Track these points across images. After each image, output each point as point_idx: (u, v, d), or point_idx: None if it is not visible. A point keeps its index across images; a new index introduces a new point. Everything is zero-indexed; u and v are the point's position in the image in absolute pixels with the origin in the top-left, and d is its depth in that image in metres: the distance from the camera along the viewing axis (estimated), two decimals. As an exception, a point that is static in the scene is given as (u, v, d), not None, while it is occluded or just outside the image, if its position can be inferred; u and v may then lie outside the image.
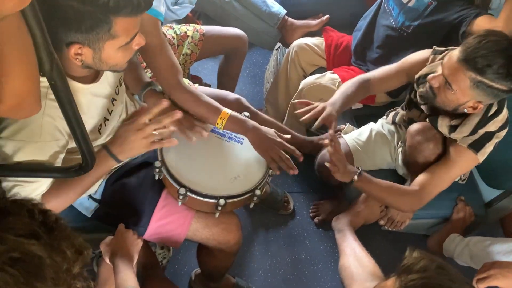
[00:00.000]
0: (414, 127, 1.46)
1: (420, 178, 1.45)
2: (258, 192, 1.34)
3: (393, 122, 1.69)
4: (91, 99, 1.10)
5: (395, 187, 1.46)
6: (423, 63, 1.50)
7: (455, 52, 1.28)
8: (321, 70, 1.99)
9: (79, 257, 0.51)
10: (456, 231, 1.68)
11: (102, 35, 0.92)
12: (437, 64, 1.44)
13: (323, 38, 2.03)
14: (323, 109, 1.49)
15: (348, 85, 1.59)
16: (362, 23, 1.94)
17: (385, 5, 1.79)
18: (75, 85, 1.04)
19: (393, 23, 1.77)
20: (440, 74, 1.33)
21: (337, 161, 1.41)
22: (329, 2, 2.17)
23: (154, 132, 1.09)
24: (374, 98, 1.90)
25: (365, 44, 1.91)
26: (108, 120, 1.18)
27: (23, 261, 0.43)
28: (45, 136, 0.97)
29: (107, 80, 1.15)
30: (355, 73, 1.91)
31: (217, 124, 1.35)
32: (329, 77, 1.89)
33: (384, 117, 1.76)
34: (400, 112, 1.66)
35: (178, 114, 1.10)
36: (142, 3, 0.91)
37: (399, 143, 1.68)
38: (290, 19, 2.12)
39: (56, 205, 1.07)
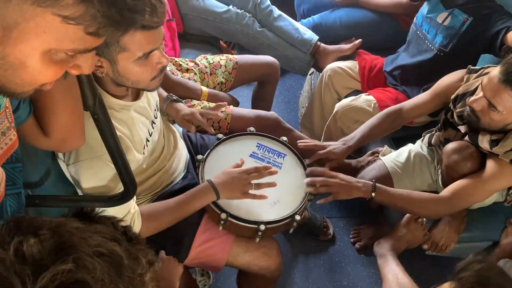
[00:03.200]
0: (450, 146, 1.43)
1: (453, 185, 1.41)
2: (297, 217, 1.34)
3: (429, 144, 1.65)
4: (136, 116, 1.16)
5: (417, 194, 1.44)
6: (458, 83, 1.48)
7: (495, 73, 1.26)
8: (355, 92, 1.99)
9: (150, 267, 0.58)
10: (506, 256, 1.59)
11: (112, 46, 0.96)
12: (473, 82, 1.42)
13: (356, 61, 2.03)
14: (324, 147, 1.52)
15: (373, 119, 1.60)
16: (402, 50, 1.93)
17: (418, 32, 1.79)
18: (121, 103, 1.10)
19: (430, 45, 1.76)
20: (481, 96, 1.30)
21: (335, 185, 1.38)
22: (362, 26, 2.18)
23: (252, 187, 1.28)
24: (413, 118, 1.87)
25: (401, 70, 1.90)
26: (149, 141, 1.23)
27: (108, 256, 0.51)
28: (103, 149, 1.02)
29: (147, 101, 1.22)
30: (391, 94, 1.90)
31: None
32: (364, 98, 1.89)
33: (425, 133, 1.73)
34: (436, 133, 1.63)
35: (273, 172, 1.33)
36: (152, 19, 0.94)
37: (439, 164, 1.64)
38: (322, 44, 2.14)
39: (154, 227, 1.18)
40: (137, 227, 1.12)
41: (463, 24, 1.66)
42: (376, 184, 1.40)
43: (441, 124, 1.57)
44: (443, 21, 1.69)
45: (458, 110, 1.43)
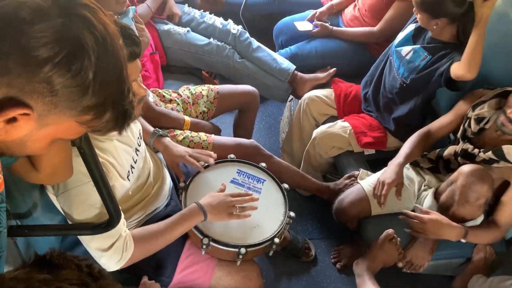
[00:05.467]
0: (468, 168, 1.49)
1: (503, 214, 1.52)
2: (276, 240, 1.40)
3: (438, 158, 1.71)
4: (119, 145, 1.22)
5: (491, 232, 1.55)
6: (476, 100, 1.61)
7: None
8: (332, 119, 2.08)
9: None
10: (479, 272, 1.67)
11: None
12: (492, 93, 1.56)
13: (332, 89, 2.14)
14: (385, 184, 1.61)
15: (411, 140, 1.70)
16: (372, 73, 2.03)
17: (391, 57, 1.90)
18: (102, 137, 1.15)
19: (396, 74, 1.87)
20: None
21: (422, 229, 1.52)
22: (336, 55, 2.30)
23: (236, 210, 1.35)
24: (386, 143, 1.97)
25: (375, 93, 2.00)
26: (134, 168, 1.29)
27: None
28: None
29: (130, 130, 1.28)
30: (365, 120, 2.00)
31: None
32: (340, 125, 1.98)
33: None
34: (450, 146, 1.68)
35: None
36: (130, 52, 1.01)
37: (422, 187, 1.73)
38: (299, 73, 2.25)
39: (145, 251, 1.21)
40: (130, 250, 1.16)
41: (422, 61, 1.76)
42: (469, 230, 1.51)
43: (460, 137, 1.65)
44: (406, 55, 1.80)
45: (476, 112, 1.55)
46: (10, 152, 0.64)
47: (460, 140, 1.64)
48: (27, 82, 0.54)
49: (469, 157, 1.57)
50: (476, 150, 1.56)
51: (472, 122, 1.57)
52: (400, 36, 1.86)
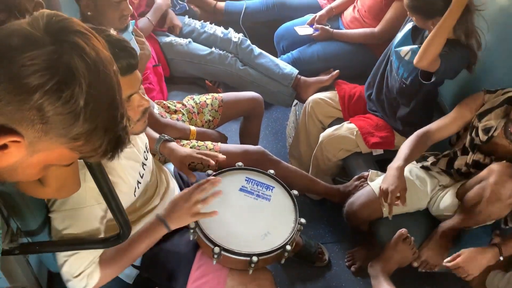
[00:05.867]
0: (500, 165, 1.46)
1: None
2: (288, 247, 1.38)
3: (448, 168, 1.69)
4: (125, 162, 1.21)
5: None
6: (478, 104, 1.58)
7: None
8: (338, 120, 2.07)
9: None
10: (497, 267, 1.64)
11: None
12: (497, 99, 1.53)
13: (336, 91, 2.13)
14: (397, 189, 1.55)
15: (408, 142, 1.65)
16: (375, 74, 2.02)
17: (391, 58, 1.89)
18: None
19: (396, 75, 1.86)
20: None
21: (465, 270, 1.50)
22: (338, 57, 2.29)
23: (199, 206, 1.23)
24: (394, 142, 1.95)
25: (378, 93, 1.99)
26: (140, 183, 1.29)
27: None
28: (90, 201, 1.08)
29: (135, 145, 1.28)
30: (371, 121, 1.99)
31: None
32: (346, 127, 1.97)
33: (414, 162, 1.78)
34: (460, 157, 1.67)
35: (218, 180, 1.29)
36: (124, 66, 1.00)
37: (437, 187, 1.70)
38: (302, 77, 2.25)
39: (111, 272, 1.18)
40: (96, 277, 1.14)
41: None
42: (501, 246, 1.49)
43: (468, 145, 1.62)
44: (405, 55, 1.78)
45: (483, 123, 1.53)
46: (1, 179, 0.64)
47: (469, 149, 1.62)
48: (17, 109, 0.55)
49: (482, 167, 1.55)
50: (487, 160, 1.54)
51: (480, 132, 1.55)
52: (399, 36, 1.85)
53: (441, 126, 1.66)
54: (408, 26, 1.82)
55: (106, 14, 1.55)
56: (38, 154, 0.60)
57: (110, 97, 0.61)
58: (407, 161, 1.60)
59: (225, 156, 1.51)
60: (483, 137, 1.55)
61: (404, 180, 1.56)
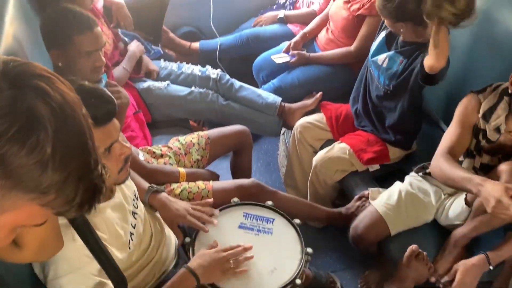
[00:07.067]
0: (509, 165, 1.40)
1: None
2: (298, 281, 1.31)
3: None
4: (113, 215, 1.14)
5: None
6: (476, 106, 1.52)
7: None
8: (328, 142, 2.03)
9: None
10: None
11: None
12: (493, 96, 1.48)
13: (322, 113, 2.10)
14: None
15: (446, 165, 1.47)
16: (357, 88, 2.01)
17: (369, 69, 1.89)
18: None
19: (377, 84, 1.85)
20: None
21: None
22: (319, 80, 2.28)
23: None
24: (388, 155, 1.91)
25: (364, 107, 1.97)
26: (133, 234, 1.21)
27: None
28: (83, 259, 1.00)
29: (122, 194, 1.21)
30: (362, 137, 1.96)
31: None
32: (338, 147, 1.93)
33: (413, 173, 1.74)
34: (466, 160, 1.61)
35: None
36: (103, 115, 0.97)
37: (442, 196, 1.65)
38: (287, 104, 2.23)
39: None
40: None
41: (399, 65, 1.74)
42: (487, 253, 1.43)
43: (474, 150, 1.57)
44: (382, 62, 1.78)
45: (493, 123, 1.46)
46: None
47: (475, 153, 1.57)
48: None
49: (490, 169, 1.51)
50: (495, 160, 1.50)
51: (491, 133, 1.49)
52: (373, 46, 1.86)
53: (458, 141, 1.53)
54: (382, 35, 1.83)
55: (77, 64, 1.51)
56: (3, 216, 0.53)
57: (81, 142, 0.55)
58: (467, 172, 1.44)
59: (211, 201, 1.49)
60: (494, 137, 1.49)
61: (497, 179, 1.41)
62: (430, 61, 1.53)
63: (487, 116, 1.50)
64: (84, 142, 0.55)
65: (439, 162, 1.50)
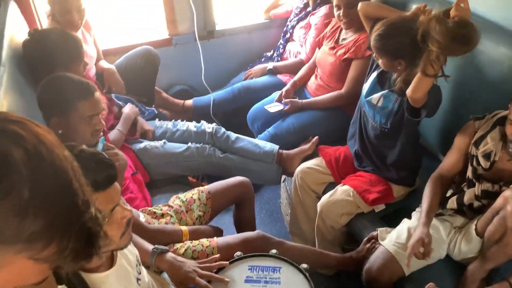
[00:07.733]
0: None
1: None
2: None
3: (460, 206, 1.60)
4: (117, 283, 1.09)
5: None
6: (472, 133, 1.56)
7: None
8: (330, 185, 2.01)
9: None
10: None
11: None
12: (488, 124, 1.51)
13: (321, 157, 2.09)
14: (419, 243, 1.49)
15: (428, 188, 1.62)
16: (354, 130, 2.02)
17: (364, 109, 1.90)
18: (96, 277, 1.03)
19: (373, 123, 1.85)
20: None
21: None
22: (314, 125, 2.30)
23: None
24: (392, 194, 1.88)
25: (362, 147, 1.97)
26: None
27: None
28: None
29: (126, 260, 1.16)
30: (364, 178, 1.93)
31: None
32: (341, 190, 1.90)
33: (419, 209, 1.69)
34: (467, 191, 1.60)
35: None
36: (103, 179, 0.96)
37: (452, 230, 1.62)
38: (284, 151, 2.22)
39: None
40: None
41: (394, 103, 1.75)
42: (510, 280, 1.39)
43: (473, 178, 1.57)
44: (377, 102, 1.80)
45: (481, 150, 1.49)
46: None
47: (474, 180, 1.57)
48: None
49: (492, 196, 1.49)
50: (496, 187, 1.49)
51: (481, 159, 1.52)
52: (366, 87, 1.88)
53: (450, 165, 1.63)
54: (373, 75, 1.85)
55: (78, 130, 1.53)
56: None
57: (63, 183, 0.52)
58: (429, 213, 1.55)
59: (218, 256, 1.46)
60: (485, 163, 1.50)
61: (428, 233, 1.49)
62: (408, 91, 1.57)
63: (477, 143, 1.51)
64: (67, 183, 0.52)
65: (427, 183, 1.63)
